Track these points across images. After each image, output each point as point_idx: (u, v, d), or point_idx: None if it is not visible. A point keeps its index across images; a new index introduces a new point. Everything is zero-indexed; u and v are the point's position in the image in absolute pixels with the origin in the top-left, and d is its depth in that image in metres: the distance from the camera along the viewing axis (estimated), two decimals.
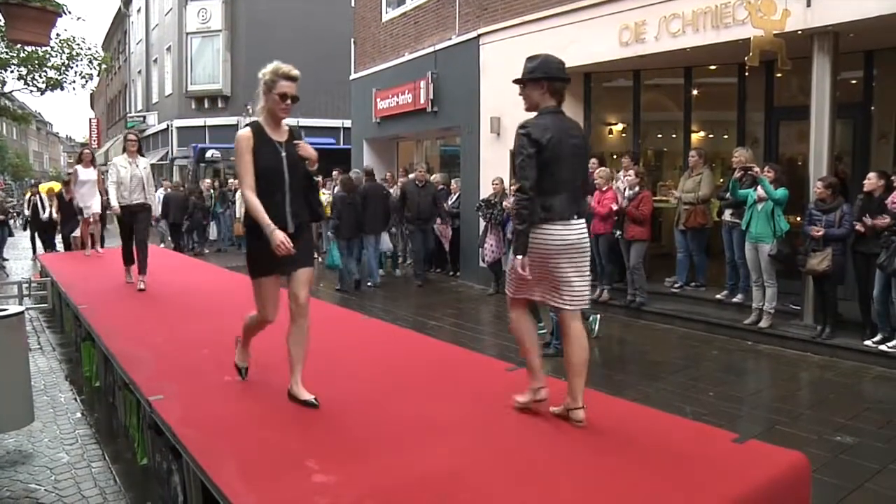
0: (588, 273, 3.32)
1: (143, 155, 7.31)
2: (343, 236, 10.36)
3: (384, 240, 11.29)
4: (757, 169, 7.21)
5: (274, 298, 3.63)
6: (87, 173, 9.95)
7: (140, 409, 4.00)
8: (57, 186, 14.91)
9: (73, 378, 6.16)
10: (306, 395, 3.53)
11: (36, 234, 14.99)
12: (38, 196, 14.76)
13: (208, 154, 20.01)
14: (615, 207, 8.36)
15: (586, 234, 3.30)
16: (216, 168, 20.29)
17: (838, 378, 6.13)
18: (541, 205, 3.16)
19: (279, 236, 3.30)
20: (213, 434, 3.15)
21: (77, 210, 10.30)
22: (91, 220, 10.09)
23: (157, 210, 9.38)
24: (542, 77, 3.27)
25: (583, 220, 3.29)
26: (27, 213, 15.87)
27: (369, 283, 10.86)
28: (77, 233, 11.58)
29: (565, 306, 3.27)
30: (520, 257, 3.18)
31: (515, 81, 3.42)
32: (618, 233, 8.50)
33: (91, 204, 9.86)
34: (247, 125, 3.53)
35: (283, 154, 3.49)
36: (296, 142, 3.54)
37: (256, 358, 4.45)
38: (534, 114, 3.32)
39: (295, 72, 3.43)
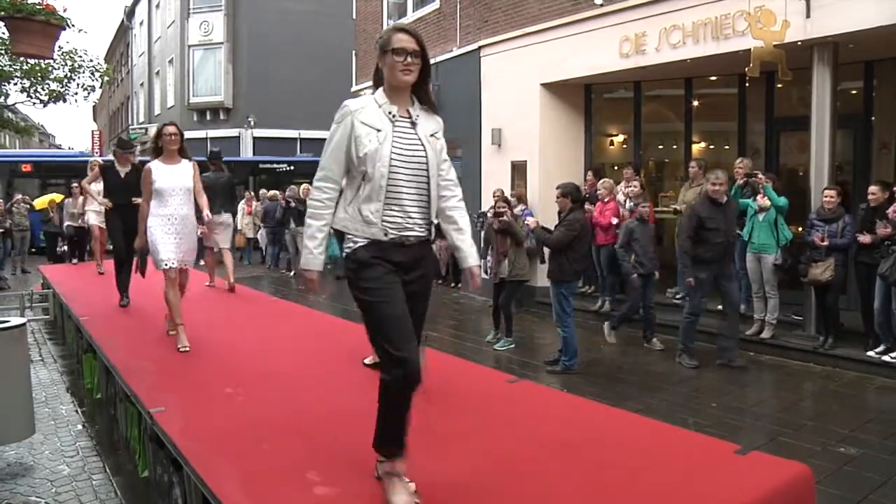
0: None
1: (433, 111, 2.79)
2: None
3: None
4: (761, 176, 7.21)
5: None
6: (172, 174, 5.15)
7: (141, 420, 3.99)
8: (59, 198, 14.60)
9: (75, 390, 6.16)
10: None
11: None
12: None
13: None
14: (615, 221, 8.35)
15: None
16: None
17: (841, 389, 6.11)
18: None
19: None
20: (214, 446, 3.14)
21: (143, 247, 5.40)
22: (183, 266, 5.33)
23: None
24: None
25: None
26: None
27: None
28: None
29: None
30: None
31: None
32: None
33: (176, 241, 5.13)
34: None
35: None
36: None
37: (259, 370, 4.46)
38: None
39: None
